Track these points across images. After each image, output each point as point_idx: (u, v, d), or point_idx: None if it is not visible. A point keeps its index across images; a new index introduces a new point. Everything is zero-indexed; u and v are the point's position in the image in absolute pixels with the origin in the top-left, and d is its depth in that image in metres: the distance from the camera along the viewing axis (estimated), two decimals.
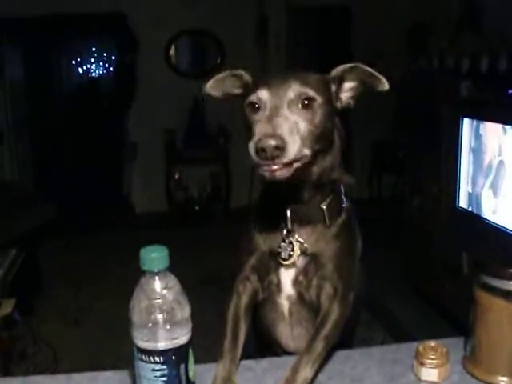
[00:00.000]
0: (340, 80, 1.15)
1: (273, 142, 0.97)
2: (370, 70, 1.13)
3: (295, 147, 1.01)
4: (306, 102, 1.07)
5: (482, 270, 1.13)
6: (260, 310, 1.30)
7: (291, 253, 1.18)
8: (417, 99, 4.08)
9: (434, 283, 3.83)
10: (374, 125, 6.30)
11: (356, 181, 1.27)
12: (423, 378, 1.14)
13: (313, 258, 1.19)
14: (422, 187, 4.00)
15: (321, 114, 1.08)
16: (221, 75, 1.20)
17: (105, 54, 6.85)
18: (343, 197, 1.22)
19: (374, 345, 3.17)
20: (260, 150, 0.98)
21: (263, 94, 1.07)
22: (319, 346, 1.10)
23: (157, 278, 0.93)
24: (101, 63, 6.88)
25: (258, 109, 1.08)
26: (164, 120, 6.43)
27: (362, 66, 1.13)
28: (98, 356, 3.27)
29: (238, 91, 1.21)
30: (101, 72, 6.89)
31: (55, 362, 3.30)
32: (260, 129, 1.01)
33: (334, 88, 1.15)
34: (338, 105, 1.16)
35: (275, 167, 1.00)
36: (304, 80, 1.09)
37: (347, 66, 1.14)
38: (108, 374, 1.17)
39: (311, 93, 1.07)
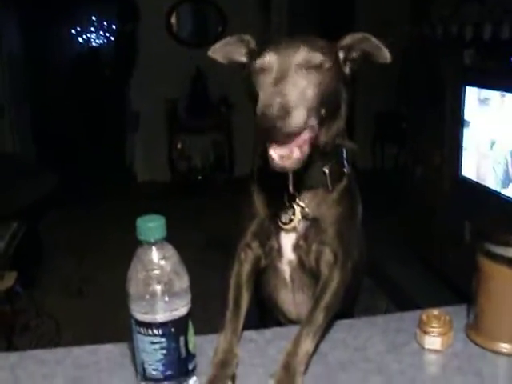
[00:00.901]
0: (348, 48, 1.13)
1: (275, 110, 0.94)
2: (378, 42, 1.10)
3: (300, 114, 0.98)
4: (313, 66, 1.04)
5: (486, 238, 1.12)
6: (262, 277, 1.28)
7: (292, 217, 1.16)
8: (420, 68, 4.05)
9: (437, 252, 3.84)
10: (377, 95, 6.25)
11: (359, 150, 1.25)
12: (426, 346, 1.13)
13: (313, 223, 1.17)
14: (425, 157, 3.98)
15: (329, 78, 1.06)
16: (227, 39, 1.18)
17: (105, 23, 6.79)
18: (345, 162, 1.20)
19: (377, 312, 3.20)
20: (264, 115, 0.95)
21: (271, 58, 1.05)
22: (320, 316, 1.09)
23: (154, 248, 0.91)
24: (101, 32, 6.82)
25: (265, 73, 1.05)
26: (166, 89, 6.38)
27: (370, 37, 1.11)
28: (101, 327, 3.27)
29: (243, 58, 1.19)
30: (101, 41, 6.84)
31: (58, 335, 3.31)
32: (265, 92, 1.00)
33: (342, 55, 1.13)
34: (346, 71, 1.14)
35: (285, 150, 0.98)
36: (313, 44, 1.07)
37: (356, 35, 1.12)
38: (108, 347, 1.16)
39: (320, 57, 1.05)
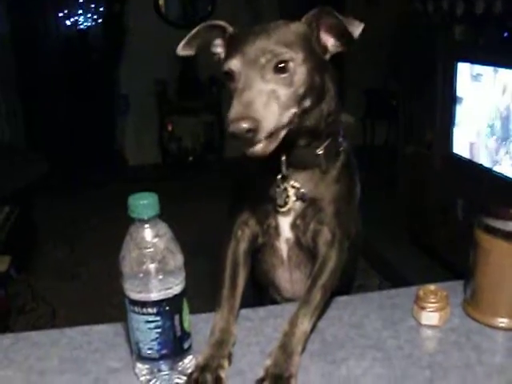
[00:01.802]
0: (316, 28, 1.07)
1: (243, 125, 0.93)
2: (335, 13, 1.03)
3: (271, 121, 0.96)
4: (280, 66, 1.00)
5: (483, 212, 1.10)
6: (259, 254, 1.27)
7: (286, 199, 1.15)
8: (411, 44, 4.02)
9: (429, 230, 3.84)
10: (367, 71, 6.22)
11: (356, 123, 1.23)
12: (424, 321, 1.13)
13: (311, 202, 1.16)
14: (416, 134, 3.97)
15: (301, 72, 1.02)
16: (194, 31, 1.12)
17: (92, 5, 6.70)
18: (341, 139, 1.18)
19: (370, 290, 3.20)
20: (232, 136, 0.95)
21: (235, 63, 1.02)
22: (317, 296, 1.08)
23: (147, 225, 0.89)
24: (89, 14, 6.73)
25: (233, 78, 1.03)
26: (155, 71, 6.33)
27: (327, 9, 1.04)
28: (96, 310, 3.27)
29: (218, 49, 1.16)
30: (89, 24, 6.75)
31: (53, 318, 3.30)
32: (231, 109, 0.97)
33: (313, 38, 1.07)
34: (325, 54, 1.09)
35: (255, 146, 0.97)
36: (277, 39, 1.02)
37: (311, 13, 1.07)
38: (102, 328, 1.15)
39: (285, 54, 1.00)
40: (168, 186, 5.44)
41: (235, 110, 0.96)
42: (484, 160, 3.16)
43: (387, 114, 5.91)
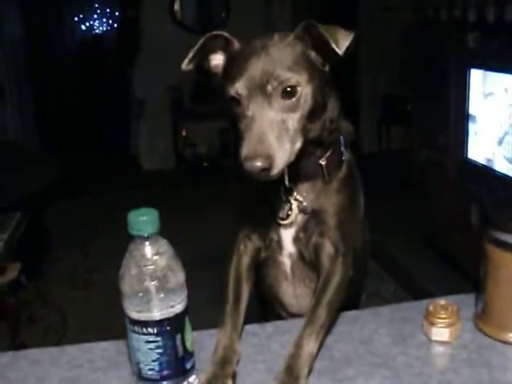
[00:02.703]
0: (309, 41, 1.03)
1: (258, 164, 0.94)
2: (320, 29, 0.98)
3: (284, 157, 0.97)
4: (288, 90, 0.99)
5: (494, 225, 1.08)
6: (262, 269, 1.25)
7: (289, 212, 1.13)
8: (424, 51, 4.00)
9: (443, 235, 3.81)
10: (383, 77, 6.19)
11: (365, 133, 1.21)
12: (434, 337, 1.10)
13: (313, 215, 1.13)
14: (431, 140, 3.95)
15: (307, 93, 1.01)
16: (199, 45, 1.07)
17: (108, 10, 6.73)
18: (343, 149, 1.16)
19: (385, 296, 3.17)
20: (247, 172, 0.95)
21: (240, 88, 1.00)
22: (322, 314, 1.05)
23: (147, 243, 0.87)
24: (104, 19, 6.77)
25: (239, 103, 1.01)
26: (170, 76, 6.30)
27: (312, 23, 1.00)
28: (108, 318, 3.25)
29: (219, 63, 1.11)
30: (104, 28, 6.78)
31: (64, 326, 3.29)
32: (244, 145, 0.97)
33: (310, 53, 1.03)
34: (324, 66, 1.06)
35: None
36: (281, 63, 0.99)
37: (299, 28, 1.03)
38: (104, 345, 1.13)
39: (292, 79, 0.99)
40: (183, 192, 5.45)
41: (249, 146, 0.96)
42: (499, 166, 3.13)
43: (402, 120, 5.88)
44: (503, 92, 3.00)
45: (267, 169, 0.94)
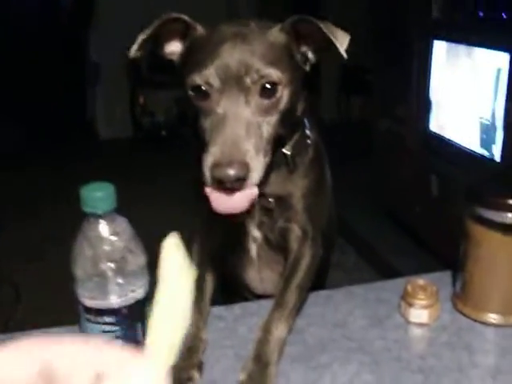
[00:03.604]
0: (294, 37, 0.92)
1: (232, 172, 0.79)
2: (321, 26, 0.87)
3: (260, 168, 0.83)
4: (268, 88, 0.86)
5: (476, 201, 1.01)
6: (227, 254, 1.17)
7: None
8: (387, 21, 3.94)
9: (404, 206, 3.80)
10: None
11: (325, 103, 1.11)
12: (412, 319, 1.04)
13: (278, 200, 1.05)
14: (392, 110, 3.91)
15: (287, 95, 0.88)
16: (151, 29, 0.93)
17: None
18: (307, 131, 1.06)
19: (346, 265, 3.15)
20: (217, 181, 0.80)
21: (211, 77, 0.85)
22: (292, 297, 0.98)
23: (102, 221, 0.77)
24: None
25: (207, 96, 0.86)
26: (127, 41, 6.14)
27: (308, 18, 0.88)
28: (63, 292, 3.14)
29: (176, 50, 0.98)
30: None
31: (18, 301, 3.16)
32: (213, 147, 0.81)
33: (294, 49, 0.92)
34: (305, 65, 0.95)
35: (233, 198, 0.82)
36: (262, 54, 0.86)
37: (289, 20, 0.90)
38: (56, 331, 1.03)
39: (274, 75, 0.85)
40: (141, 161, 5.33)
41: (221, 149, 0.81)
42: (460, 140, 3.12)
43: (363, 90, 5.83)
44: (467, 65, 2.97)
45: (242, 179, 0.80)
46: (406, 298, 1.04)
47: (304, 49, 0.94)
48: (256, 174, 0.82)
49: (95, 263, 0.76)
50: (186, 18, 0.93)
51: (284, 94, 0.88)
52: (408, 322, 1.04)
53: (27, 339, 0.35)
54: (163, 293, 0.40)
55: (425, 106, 3.40)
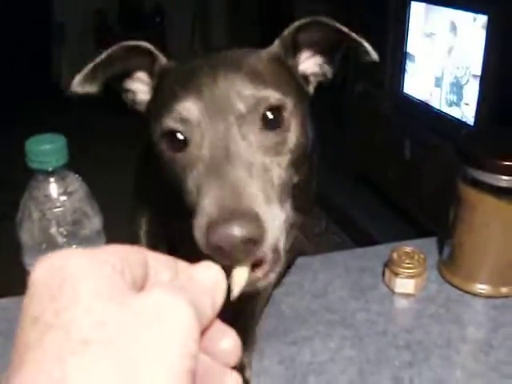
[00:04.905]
0: (294, 50, 0.73)
1: (241, 232, 0.51)
2: (336, 24, 0.70)
3: (276, 226, 0.56)
4: (270, 116, 0.63)
5: (469, 163, 0.92)
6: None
7: None
8: None
9: (377, 170, 3.75)
10: (320, 7, 6.00)
11: None
12: (397, 290, 0.96)
13: None
14: (366, 73, 3.83)
15: (296, 124, 0.66)
16: (103, 57, 0.67)
17: None
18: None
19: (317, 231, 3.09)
20: (218, 251, 0.52)
21: (189, 111, 0.62)
22: None
23: (52, 179, 0.66)
24: None
25: (185, 143, 0.62)
26: (92, 1, 5.94)
27: (322, 19, 0.71)
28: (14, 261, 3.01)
29: (140, 87, 0.74)
30: None
31: None
32: (208, 202, 0.55)
33: (295, 67, 0.74)
34: (310, 90, 0.76)
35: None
36: (255, 74, 0.64)
37: (289, 30, 0.71)
38: (4, 302, 0.92)
39: (274, 97, 0.63)
40: (109, 121, 5.18)
41: (217, 201, 0.54)
42: (434, 102, 3.10)
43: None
44: (445, 29, 2.92)
45: (255, 241, 0.52)
46: (391, 267, 0.96)
47: (304, 66, 0.76)
48: (272, 234, 0.55)
49: (44, 228, 0.66)
50: (148, 46, 0.71)
51: (293, 123, 0.65)
52: (393, 293, 0.96)
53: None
54: None
55: (400, 68, 3.36)
